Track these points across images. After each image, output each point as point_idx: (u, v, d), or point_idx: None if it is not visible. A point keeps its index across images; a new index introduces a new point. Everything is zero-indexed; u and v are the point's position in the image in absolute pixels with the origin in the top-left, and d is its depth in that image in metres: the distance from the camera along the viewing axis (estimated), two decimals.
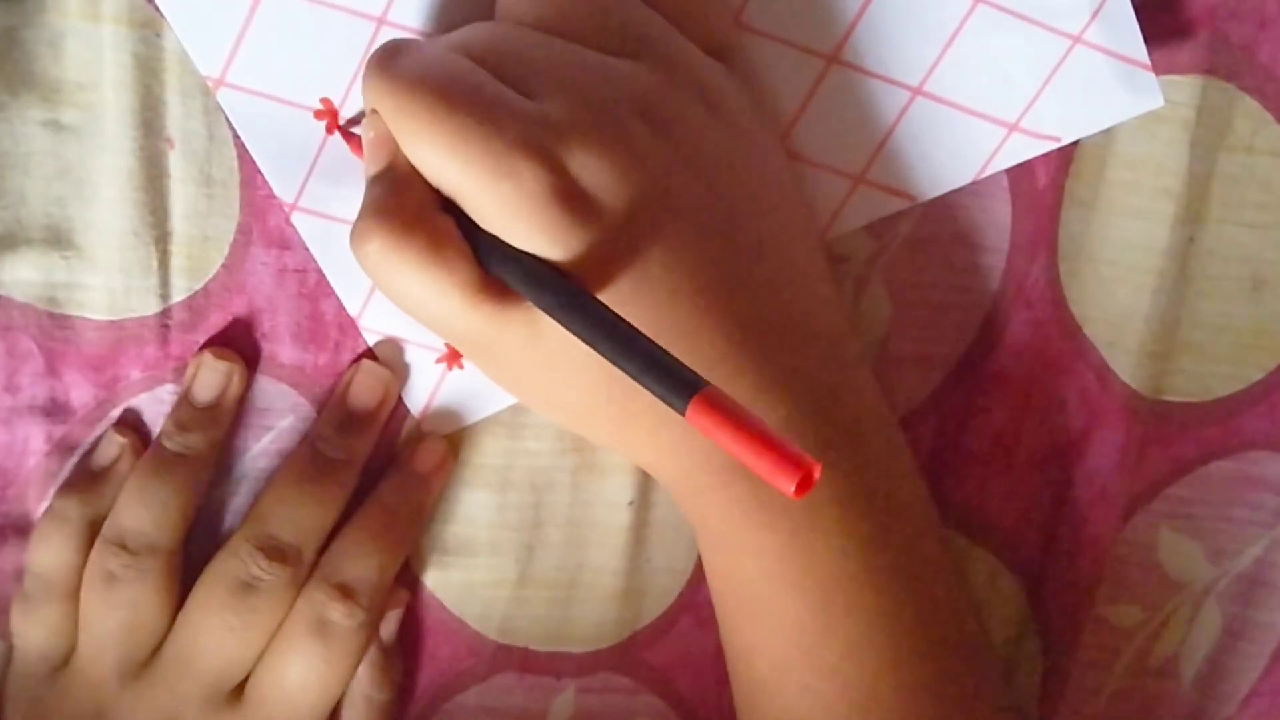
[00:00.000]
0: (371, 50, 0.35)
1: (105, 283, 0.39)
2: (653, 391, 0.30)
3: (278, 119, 0.38)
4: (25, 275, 0.38)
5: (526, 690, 0.43)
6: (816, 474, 0.28)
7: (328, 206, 0.39)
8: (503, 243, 0.33)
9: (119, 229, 0.38)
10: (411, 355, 0.41)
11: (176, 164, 0.38)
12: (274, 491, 0.40)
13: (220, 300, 0.39)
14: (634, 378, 0.31)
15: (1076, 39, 0.39)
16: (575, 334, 0.32)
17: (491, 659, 0.43)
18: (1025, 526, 0.44)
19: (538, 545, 0.42)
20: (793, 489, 0.28)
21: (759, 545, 0.37)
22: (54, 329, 0.39)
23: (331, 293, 0.40)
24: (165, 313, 0.39)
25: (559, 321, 0.32)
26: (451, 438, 0.41)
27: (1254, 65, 0.41)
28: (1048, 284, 0.42)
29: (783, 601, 0.37)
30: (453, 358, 0.41)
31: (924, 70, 0.39)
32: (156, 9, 0.37)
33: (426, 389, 0.41)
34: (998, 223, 0.41)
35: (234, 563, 0.39)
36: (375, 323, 0.40)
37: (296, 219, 0.39)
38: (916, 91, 0.39)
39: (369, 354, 0.40)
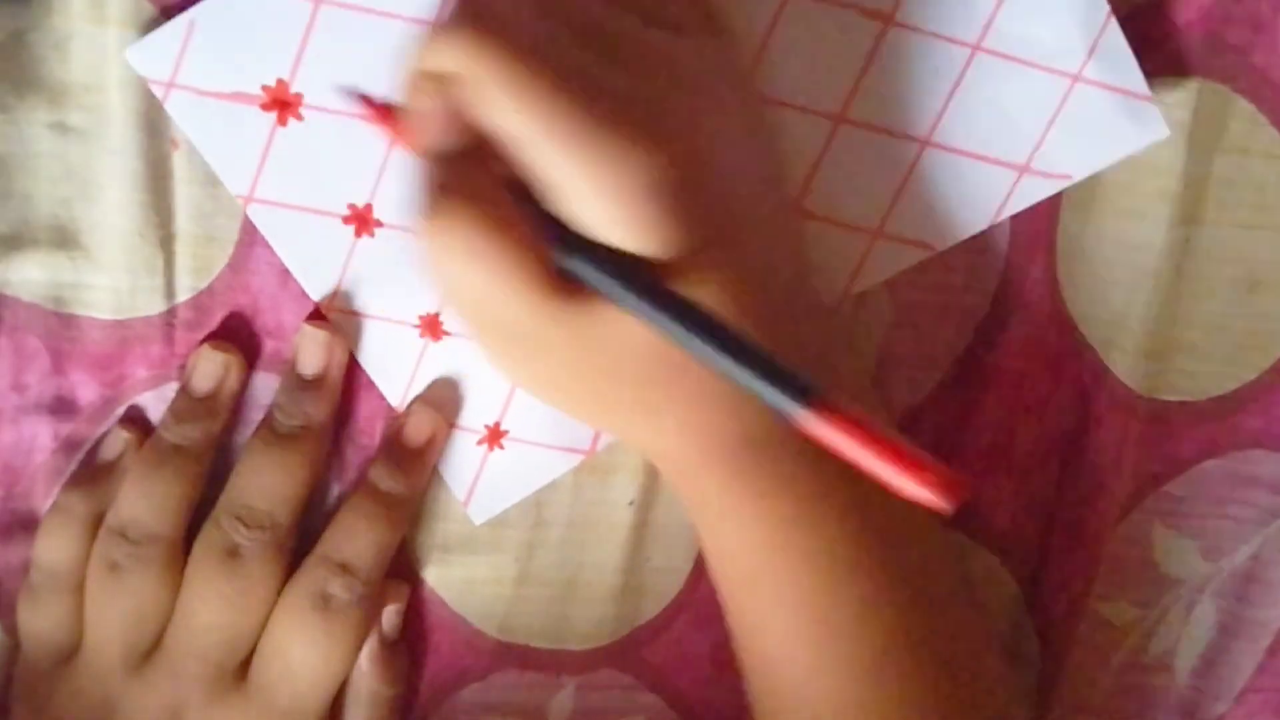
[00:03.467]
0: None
1: (111, 283, 0.39)
2: (765, 398, 0.28)
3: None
4: (32, 275, 0.39)
5: (526, 687, 0.43)
6: (962, 488, 0.26)
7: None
8: (591, 241, 0.30)
9: (124, 230, 0.38)
10: (452, 439, 0.41)
11: (181, 165, 0.38)
12: (243, 464, 0.40)
13: (225, 299, 0.40)
14: (744, 385, 0.29)
15: (1076, 77, 0.39)
16: (679, 343, 0.29)
17: (492, 656, 0.43)
18: (1022, 524, 0.44)
19: (538, 544, 0.42)
20: (947, 504, 0.26)
21: (764, 514, 0.36)
22: (60, 329, 0.39)
23: None
24: (170, 312, 0.39)
25: (659, 330, 0.30)
26: (446, 416, 0.41)
27: (1249, 68, 0.41)
28: (1046, 284, 0.42)
29: (788, 569, 0.36)
30: (493, 439, 0.41)
31: (930, 121, 0.39)
32: (160, 13, 0.37)
33: (470, 473, 0.41)
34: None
35: (217, 533, 0.39)
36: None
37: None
38: (925, 143, 0.40)
39: (316, 315, 0.40)
